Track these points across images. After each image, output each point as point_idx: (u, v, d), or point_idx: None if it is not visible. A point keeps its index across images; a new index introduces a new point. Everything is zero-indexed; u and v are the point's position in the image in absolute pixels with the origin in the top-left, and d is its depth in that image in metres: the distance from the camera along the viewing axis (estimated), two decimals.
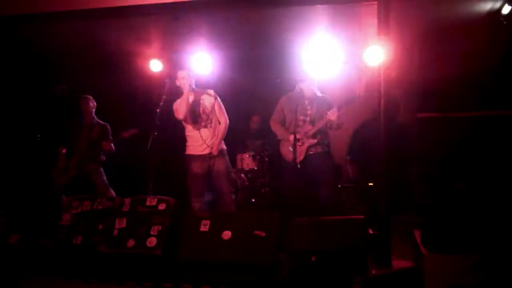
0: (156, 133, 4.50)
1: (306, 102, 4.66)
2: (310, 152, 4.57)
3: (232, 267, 3.36)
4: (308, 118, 4.63)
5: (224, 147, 4.66)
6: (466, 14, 4.88)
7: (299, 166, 4.53)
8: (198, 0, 4.41)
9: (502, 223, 3.02)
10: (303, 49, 4.88)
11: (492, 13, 4.73)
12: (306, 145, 4.56)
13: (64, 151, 5.20)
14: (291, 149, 4.53)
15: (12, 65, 5.70)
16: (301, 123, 4.62)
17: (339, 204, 5.03)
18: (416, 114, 4.79)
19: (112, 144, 5.18)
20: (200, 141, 4.48)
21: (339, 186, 5.57)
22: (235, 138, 4.78)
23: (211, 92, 4.64)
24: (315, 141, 4.56)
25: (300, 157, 4.55)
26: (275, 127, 4.77)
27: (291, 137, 4.55)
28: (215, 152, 4.49)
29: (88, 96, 5.34)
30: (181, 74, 4.56)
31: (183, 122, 4.61)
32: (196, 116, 4.55)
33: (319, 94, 4.71)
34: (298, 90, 4.51)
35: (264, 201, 5.93)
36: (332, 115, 4.39)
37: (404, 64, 4.90)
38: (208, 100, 4.59)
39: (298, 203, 4.54)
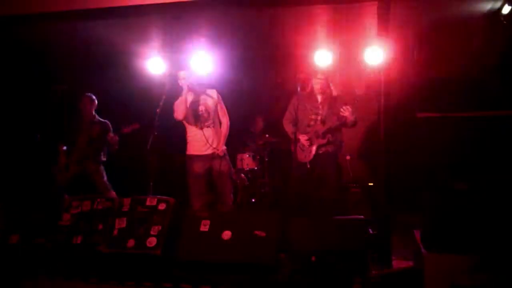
0: (156, 133, 4.50)
1: (318, 101, 4.66)
2: (320, 152, 4.57)
3: (232, 267, 3.36)
4: (319, 117, 4.62)
5: (225, 147, 4.67)
6: (466, 14, 4.88)
7: (308, 165, 4.53)
8: (198, 0, 4.41)
9: (502, 223, 3.02)
10: (305, 48, 4.88)
11: (492, 13, 4.73)
12: (315, 145, 4.56)
13: (63, 147, 5.19)
14: (303, 149, 4.55)
15: (12, 65, 5.70)
16: (312, 122, 4.62)
17: (340, 204, 5.03)
18: (416, 114, 4.79)
19: (117, 137, 5.11)
20: (203, 141, 4.47)
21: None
22: (235, 138, 4.77)
23: (214, 92, 4.64)
24: (324, 141, 4.54)
25: (309, 157, 4.55)
26: (287, 126, 4.78)
27: (302, 137, 4.56)
28: (221, 153, 4.49)
29: (89, 94, 5.34)
30: (181, 74, 4.56)
31: (185, 122, 4.60)
32: (197, 116, 4.53)
33: (334, 93, 4.69)
34: (300, 89, 4.52)
35: (264, 201, 5.93)
36: (345, 111, 4.37)
37: (404, 64, 4.90)
38: (211, 100, 4.58)
39: (301, 203, 4.54)
